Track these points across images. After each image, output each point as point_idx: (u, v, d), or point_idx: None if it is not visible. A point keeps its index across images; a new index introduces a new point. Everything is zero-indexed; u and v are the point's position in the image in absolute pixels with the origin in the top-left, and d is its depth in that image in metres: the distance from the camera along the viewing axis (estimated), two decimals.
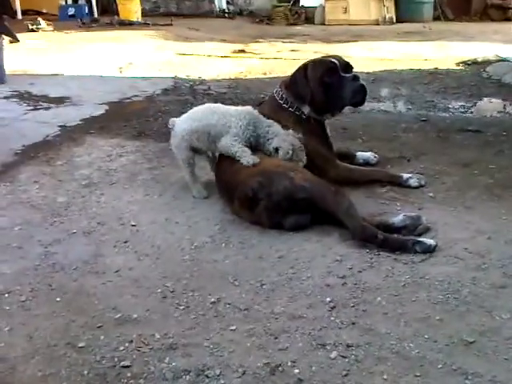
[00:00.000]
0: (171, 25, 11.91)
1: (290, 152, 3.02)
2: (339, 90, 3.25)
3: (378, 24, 12.52)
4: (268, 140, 3.09)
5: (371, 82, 6.20)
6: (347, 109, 4.83)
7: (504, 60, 7.29)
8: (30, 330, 2.13)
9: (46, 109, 5.29)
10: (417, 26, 11.65)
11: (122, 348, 2.02)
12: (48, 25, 11.34)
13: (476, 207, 3.05)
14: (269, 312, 2.21)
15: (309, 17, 13.21)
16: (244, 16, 14.08)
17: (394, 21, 12.78)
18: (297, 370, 1.89)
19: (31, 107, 5.33)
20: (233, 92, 5.87)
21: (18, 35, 9.17)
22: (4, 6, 7.73)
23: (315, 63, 3.34)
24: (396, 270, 2.47)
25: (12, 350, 2.03)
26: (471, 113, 5.06)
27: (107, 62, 7.55)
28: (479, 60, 7.36)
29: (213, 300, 2.29)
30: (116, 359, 1.96)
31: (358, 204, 2.84)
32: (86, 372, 1.91)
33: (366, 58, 7.76)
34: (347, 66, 3.31)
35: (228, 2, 14.36)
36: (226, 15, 13.83)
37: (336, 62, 3.27)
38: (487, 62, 7.19)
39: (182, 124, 3.24)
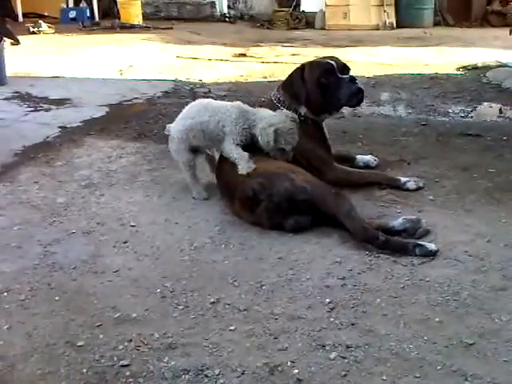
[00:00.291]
0: (172, 28, 11.93)
1: (271, 139, 2.97)
2: (336, 91, 3.26)
3: (378, 29, 12.53)
4: (254, 126, 3.07)
5: (371, 86, 6.21)
6: (347, 113, 4.92)
7: (504, 65, 7.30)
8: (29, 328, 2.13)
9: (47, 110, 5.29)
10: (417, 32, 11.66)
11: (121, 347, 2.02)
12: (49, 28, 11.36)
13: (475, 210, 3.06)
14: (268, 312, 2.21)
15: (309, 21, 13.23)
16: (245, 20, 14.10)
17: (395, 26, 12.78)
18: (296, 371, 1.89)
19: (32, 108, 5.33)
20: (233, 95, 5.86)
21: (20, 38, 9.23)
22: (6, 8, 7.75)
23: (312, 64, 3.36)
24: (396, 272, 2.47)
25: (11, 348, 2.03)
26: (471, 117, 5.07)
27: (108, 65, 7.56)
28: (479, 65, 7.37)
29: (212, 300, 2.29)
30: (115, 358, 1.96)
31: (358, 207, 2.84)
32: (84, 371, 1.91)
33: (366, 62, 7.77)
34: (344, 68, 3.33)
35: (229, 7, 14.37)
36: (227, 19, 13.84)
37: (333, 63, 3.30)
38: (487, 68, 7.20)
39: (176, 126, 3.24)
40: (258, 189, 2.81)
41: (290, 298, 2.30)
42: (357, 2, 12.71)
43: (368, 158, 3.71)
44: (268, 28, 12.90)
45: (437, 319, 2.14)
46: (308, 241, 2.76)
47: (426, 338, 2.04)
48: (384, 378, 1.86)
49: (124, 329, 2.12)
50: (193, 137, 3.18)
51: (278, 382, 1.85)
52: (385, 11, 12.73)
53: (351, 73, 3.39)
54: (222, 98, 5.72)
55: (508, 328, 2.09)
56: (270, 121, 3.03)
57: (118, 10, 12.92)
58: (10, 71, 6.47)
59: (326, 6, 12.95)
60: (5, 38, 6.71)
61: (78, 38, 10.55)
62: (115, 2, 13.40)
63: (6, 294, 2.36)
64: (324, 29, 12.78)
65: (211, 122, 3.12)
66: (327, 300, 2.27)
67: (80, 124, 4.82)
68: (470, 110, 5.29)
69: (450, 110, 5.26)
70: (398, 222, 2.78)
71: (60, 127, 4.69)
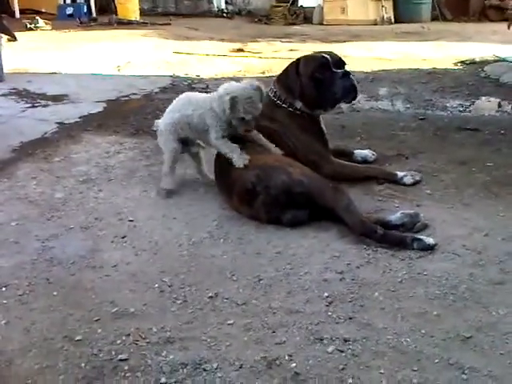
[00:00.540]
0: (170, 24, 11.91)
1: (227, 107, 2.92)
2: (330, 85, 3.26)
3: (376, 24, 12.53)
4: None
5: (370, 81, 6.22)
6: (346, 107, 4.91)
7: (502, 60, 7.30)
8: (27, 323, 2.13)
9: (44, 106, 5.29)
10: (415, 27, 11.65)
11: (119, 341, 2.02)
12: (46, 24, 11.34)
13: (473, 204, 3.06)
14: (266, 307, 2.21)
15: (307, 17, 13.22)
16: (242, 16, 14.09)
17: (393, 21, 12.78)
18: (293, 364, 1.90)
19: (29, 105, 5.33)
20: None
21: (17, 34, 9.21)
22: (3, 5, 7.74)
23: (307, 59, 3.37)
24: (393, 265, 2.47)
25: (9, 343, 2.03)
26: (469, 112, 5.07)
27: (105, 61, 7.54)
28: (477, 60, 7.37)
29: (210, 295, 2.29)
30: (113, 352, 1.96)
31: (356, 201, 2.84)
32: (83, 365, 1.91)
33: (364, 57, 7.77)
34: (339, 62, 3.34)
35: (227, 2, 14.36)
36: (225, 15, 13.82)
37: (328, 57, 3.30)
38: (485, 62, 7.20)
39: (165, 120, 3.26)
40: (256, 182, 2.82)
41: (288, 292, 2.31)
42: None
43: (366, 152, 3.71)
44: (266, 23, 12.89)
45: (434, 313, 2.15)
46: (306, 235, 2.76)
47: (423, 331, 2.04)
48: (382, 371, 1.86)
49: (122, 323, 2.12)
50: (181, 129, 3.20)
51: (276, 375, 1.85)
52: (383, 6, 12.72)
53: (349, 68, 3.40)
54: None
55: (505, 321, 2.09)
56: (227, 89, 3.00)
57: (115, 6, 12.88)
58: (7, 68, 6.46)
59: (324, 1, 12.94)
60: (2, 35, 6.70)
61: (75, 34, 10.53)
62: None
63: (4, 289, 2.36)
64: (322, 24, 12.77)
65: (194, 116, 3.13)
66: (325, 294, 2.27)
67: (78, 120, 4.81)
68: (468, 104, 5.29)
69: (448, 105, 5.26)
70: (396, 217, 2.78)
71: (58, 123, 4.69)
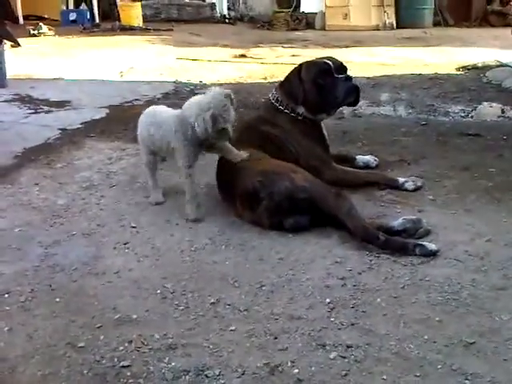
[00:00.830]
0: (172, 30, 11.94)
1: (209, 125, 2.77)
2: (332, 90, 3.28)
3: (378, 29, 12.54)
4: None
5: (372, 86, 6.21)
6: (348, 113, 4.92)
7: (504, 65, 7.30)
8: (29, 330, 2.13)
9: (47, 112, 5.30)
10: (417, 32, 11.66)
11: (121, 348, 2.02)
12: (49, 30, 11.37)
13: (476, 210, 3.06)
14: (268, 313, 2.21)
15: (309, 22, 13.23)
16: (245, 22, 14.11)
17: (395, 26, 12.79)
18: (296, 370, 1.89)
19: (32, 111, 5.34)
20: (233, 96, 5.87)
21: (20, 40, 9.21)
22: (6, 10, 7.76)
23: (309, 64, 3.39)
24: (396, 271, 2.47)
25: (12, 350, 2.03)
26: (471, 117, 5.07)
27: (108, 67, 7.56)
28: (479, 65, 7.37)
29: (212, 301, 2.29)
30: (116, 359, 1.96)
31: (358, 207, 2.84)
32: (85, 372, 1.91)
33: (366, 63, 7.78)
34: (341, 68, 3.35)
35: (229, 8, 14.39)
36: (227, 21, 13.84)
37: (330, 63, 3.32)
38: (487, 67, 7.19)
39: (138, 129, 3.25)
40: (259, 187, 2.82)
41: (290, 298, 2.31)
42: (357, 3, 12.71)
43: (368, 158, 3.71)
44: (268, 29, 12.90)
45: (437, 318, 2.15)
46: (308, 241, 2.76)
47: (426, 337, 2.04)
48: (384, 377, 1.86)
49: (124, 330, 2.12)
50: (148, 144, 3.17)
51: (279, 382, 1.85)
52: (385, 12, 12.73)
53: (351, 73, 3.41)
54: None
55: (508, 327, 2.08)
56: (200, 106, 2.82)
57: (118, 12, 12.92)
58: (10, 73, 6.48)
59: (326, 6, 12.96)
60: (5, 41, 6.71)
61: (78, 40, 10.56)
62: (115, 5, 13.41)
63: (6, 295, 2.36)
64: (324, 29, 12.78)
65: (156, 137, 3.07)
66: (327, 300, 2.27)
67: (80, 126, 4.82)
68: (470, 109, 5.29)
69: (450, 110, 5.26)
70: (398, 222, 2.78)
71: (60, 129, 4.70)
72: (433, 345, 2.00)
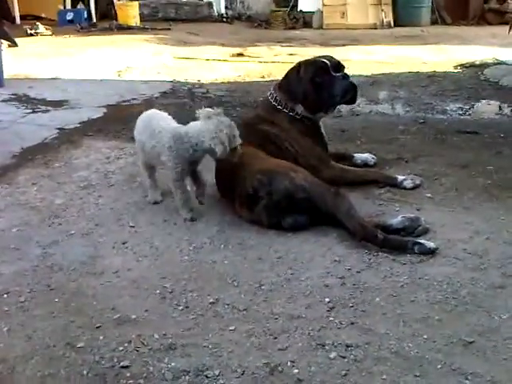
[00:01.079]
0: (170, 29, 11.91)
1: (226, 143, 2.79)
2: (330, 88, 3.29)
3: (375, 28, 12.52)
4: (197, 145, 2.87)
5: (370, 84, 6.21)
6: (346, 111, 4.92)
7: (501, 63, 7.31)
8: (28, 330, 2.13)
9: (45, 112, 5.29)
10: (415, 30, 11.66)
11: (121, 348, 2.02)
12: (47, 29, 11.34)
13: (474, 208, 3.06)
14: (268, 312, 2.21)
15: (307, 21, 13.20)
16: (242, 21, 14.07)
17: (392, 25, 12.77)
18: (296, 370, 1.89)
19: (29, 110, 5.32)
20: (231, 95, 5.87)
21: (17, 40, 9.21)
22: (3, 10, 7.74)
23: (307, 63, 3.39)
24: (395, 270, 2.47)
25: (11, 350, 2.03)
26: (469, 115, 5.07)
27: (106, 66, 7.54)
28: (477, 63, 7.38)
29: (212, 300, 2.29)
30: (115, 359, 1.96)
31: (357, 205, 2.85)
32: (85, 372, 1.91)
33: (364, 61, 7.78)
34: (338, 66, 3.37)
35: (226, 7, 14.36)
36: (225, 20, 13.81)
37: (327, 61, 3.33)
38: (485, 65, 7.20)
39: (135, 130, 3.24)
40: (258, 186, 2.82)
41: (289, 297, 2.30)
42: (354, 2, 12.68)
43: (366, 156, 3.71)
44: (265, 28, 12.88)
45: (436, 317, 2.15)
46: (307, 240, 2.76)
47: (425, 336, 2.04)
48: (384, 377, 1.86)
49: (124, 330, 2.12)
50: (141, 148, 3.17)
51: (278, 382, 1.85)
52: (382, 10, 12.72)
53: (349, 72, 3.42)
54: (220, 98, 5.74)
55: (507, 326, 2.09)
56: (213, 128, 2.81)
57: (115, 12, 12.88)
58: (7, 73, 6.46)
59: (324, 5, 12.94)
60: (2, 40, 6.70)
61: (75, 39, 10.53)
62: (113, 4, 13.38)
63: (5, 295, 2.36)
64: (322, 28, 12.76)
65: (146, 145, 3.06)
66: (326, 299, 2.27)
67: (78, 125, 4.81)
68: (467, 107, 5.29)
69: (448, 108, 5.27)
70: (396, 221, 2.78)
71: (58, 129, 4.69)
72: (432, 344, 2.00)
